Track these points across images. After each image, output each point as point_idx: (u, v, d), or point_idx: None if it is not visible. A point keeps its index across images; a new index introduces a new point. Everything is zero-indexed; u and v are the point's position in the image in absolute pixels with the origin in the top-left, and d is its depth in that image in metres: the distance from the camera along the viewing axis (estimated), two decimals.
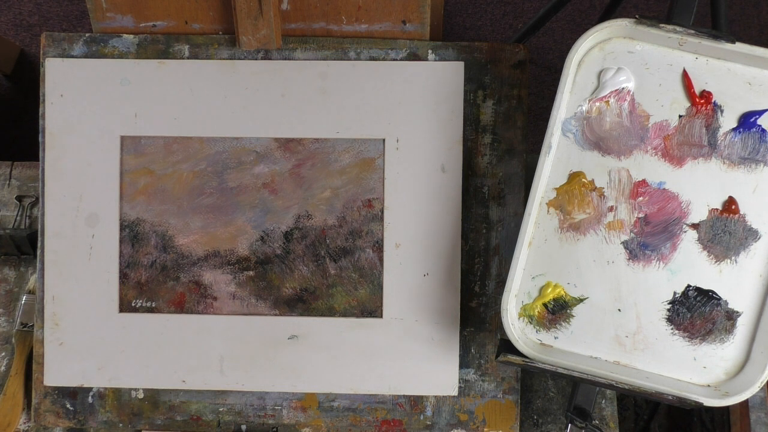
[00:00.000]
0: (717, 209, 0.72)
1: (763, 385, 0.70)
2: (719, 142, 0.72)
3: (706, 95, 0.72)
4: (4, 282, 0.88)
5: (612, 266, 0.73)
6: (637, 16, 0.71)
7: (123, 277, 0.82)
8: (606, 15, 1.39)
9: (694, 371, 0.73)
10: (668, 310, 0.73)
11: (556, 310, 0.74)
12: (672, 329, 0.73)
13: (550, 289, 0.74)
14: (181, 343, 0.81)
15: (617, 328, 0.73)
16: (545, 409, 0.84)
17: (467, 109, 0.81)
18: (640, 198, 0.73)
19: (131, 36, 0.81)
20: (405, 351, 0.81)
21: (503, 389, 0.81)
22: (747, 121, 0.72)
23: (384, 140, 0.80)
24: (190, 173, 0.81)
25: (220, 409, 0.82)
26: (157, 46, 0.81)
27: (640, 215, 0.73)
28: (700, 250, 0.72)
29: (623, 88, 0.72)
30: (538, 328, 0.74)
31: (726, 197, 0.72)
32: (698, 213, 0.72)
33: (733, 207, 0.72)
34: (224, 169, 0.81)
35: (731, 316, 0.72)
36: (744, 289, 0.72)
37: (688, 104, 0.72)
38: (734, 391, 0.71)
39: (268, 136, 0.81)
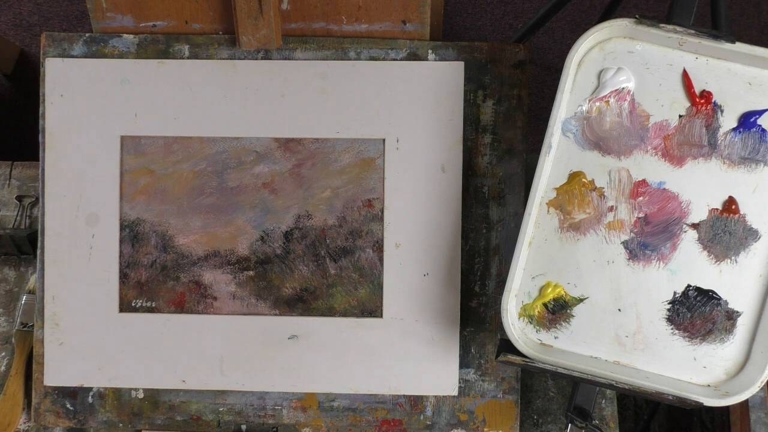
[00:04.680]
0: (717, 209, 0.72)
1: (763, 385, 0.70)
2: (719, 142, 0.72)
3: (706, 95, 0.72)
4: (4, 282, 0.88)
5: (612, 266, 0.73)
6: (637, 16, 0.71)
7: (123, 277, 0.82)
8: (606, 15, 1.39)
9: (694, 371, 0.73)
10: (668, 310, 0.73)
11: (556, 310, 0.74)
12: (672, 329, 0.73)
13: (550, 289, 0.74)
14: (181, 343, 0.81)
15: (617, 328, 0.73)
16: (545, 409, 0.84)
17: (467, 109, 0.81)
18: (640, 198, 0.73)
19: (131, 36, 0.81)
20: (405, 351, 0.81)
21: (503, 389, 0.81)
22: (747, 121, 0.72)
23: (384, 140, 0.80)
24: (190, 173, 0.81)
25: (220, 409, 0.82)
26: (157, 46, 0.81)
27: (640, 215, 0.73)
28: (700, 250, 0.72)
29: (623, 88, 0.72)
30: (538, 328, 0.74)
31: (726, 197, 0.72)
32: (698, 213, 0.72)
33: (733, 207, 0.72)
34: (224, 169, 0.81)
35: (731, 316, 0.72)
36: (744, 289, 0.72)
37: (688, 104, 0.72)
38: (734, 391, 0.71)
39: (268, 136, 0.81)
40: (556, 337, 0.74)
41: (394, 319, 0.81)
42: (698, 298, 0.72)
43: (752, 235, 0.72)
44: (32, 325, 0.84)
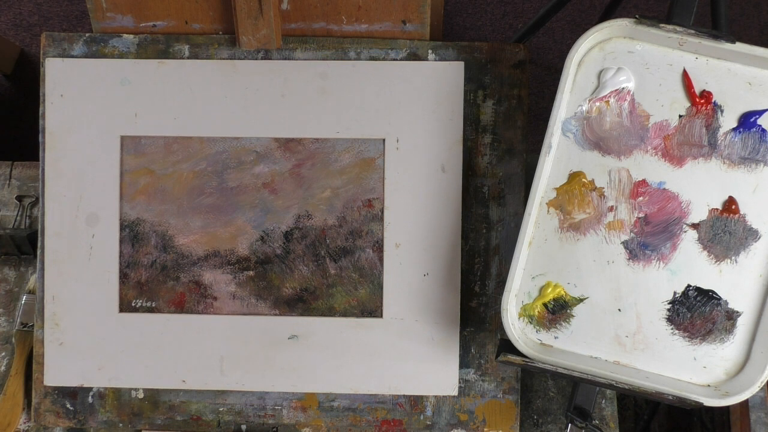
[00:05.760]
0: (717, 209, 0.72)
1: (763, 385, 0.70)
2: (719, 142, 0.72)
3: (706, 95, 0.72)
4: (4, 282, 0.88)
5: (612, 266, 0.73)
6: (637, 16, 0.71)
7: (123, 277, 0.82)
8: (606, 15, 1.39)
9: (694, 371, 0.73)
10: (668, 310, 0.73)
11: (556, 310, 0.74)
12: (672, 329, 0.73)
13: (550, 289, 0.74)
14: (181, 343, 0.81)
15: (617, 328, 0.73)
16: (545, 409, 0.84)
17: (467, 109, 0.81)
18: (640, 198, 0.73)
19: (131, 36, 0.81)
20: (405, 351, 0.81)
21: (503, 389, 0.81)
22: (747, 121, 0.72)
23: (384, 140, 0.80)
24: (190, 173, 0.81)
25: (220, 409, 0.82)
26: (157, 46, 0.81)
27: (640, 215, 0.73)
28: (700, 250, 0.72)
29: (623, 88, 0.72)
30: (538, 328, 0.74)
31: (726, 197, 0.72)
32: (698, 213, 0.72)
33: (733, 207, 0.72)
34: (224, 169, 0.81)
35: (731, 316, 0.72)
36: (744, 289, 0.72)
37: (688, 104, 0.72)
38: (734, 391, 0.71)
39: (268, 136, 0.81)
40: (556, 337, 0.74)
41: (394, 319, 0.81)
42: (698, 298, 0.72)
43: (752, 235, 0.72)
44: (32, 325, 0.84)
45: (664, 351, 0.73)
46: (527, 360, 0.72)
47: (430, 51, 0.81)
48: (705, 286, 0.73)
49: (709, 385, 0.72)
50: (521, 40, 1.45)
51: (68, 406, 0.82)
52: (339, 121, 0.80)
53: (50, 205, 0.81)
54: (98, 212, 0.81)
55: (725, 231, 0.72)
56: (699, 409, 1.12)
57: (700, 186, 0.72)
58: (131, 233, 0.81)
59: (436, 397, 0.81)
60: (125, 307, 0.82)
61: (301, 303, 0.81)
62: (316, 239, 0.81)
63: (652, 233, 0.73)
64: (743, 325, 0.72)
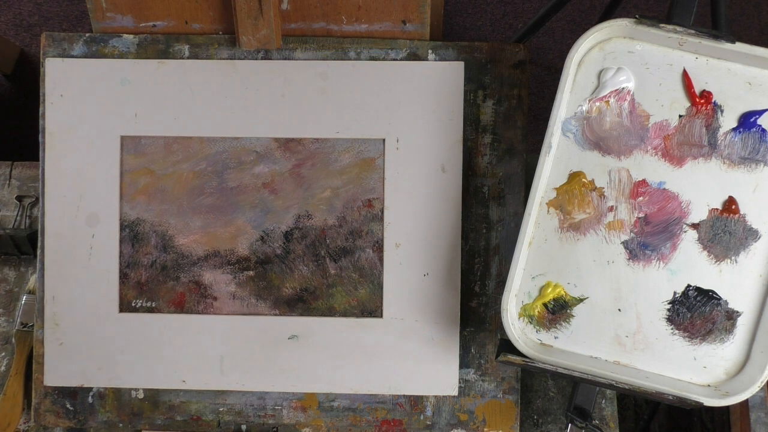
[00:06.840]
0: (717, 209, 0.72)
1: (763, 385, 0.70)
2: (719, 142, 0.72)
3: (706, 95, 0.72)
4: (4, 282, 0.88)
5: (612, 266, 0.73)
6: (637, 16, 0.71)
7: (123, 277, 0.82)
8: (606, 15, 1.39)
9: (694, 371, 0.73)
10: (668, 310, 0.73)
11: (556, 310, 0.74)
12: (672, 329, 0.73)
13: (550, 289, 0.74)
14: (181, 343, 0.81)
15: (617, 328, 0.73)
16: (545, 409, 0.84)
17: (467, 109, 0.81)
18: (640, 198, 0.73)
19: (131, 36, 0.81)
20: (405, 351, 0.81)
21: (503, 389, 0.81)
22: (747, 121, 0.72)
23: (384, 140, 0.80)
24: (190, 173, 0.81)
25: (220, 409, 0.82)
26: (157, 46, 0.81)
27: (640, 215, 0.73)
28: (700, 250, 0.72)
29: (623, 88, 0.72)
30: (538, 328, 0.74)
31: (726, 197, 0.72)
32: (698, 213, 0.72)
33: (733, 207, 0.72)
34: (224, 169, 0.81)
35: (731, 316, 0.72)
36: (744, 289, 0.72)
37: (688, 104, 0.72)
38: (734, 391, 0.71)
39: (268, 136, 0.81)
40: (556, 337, 0.74)
41: (394, 319, 0.81)
42: (698, 298, 0.72)
43: (752, 235, 0.72)
44: (32, 325, 0.84)
45: (664, 351, 0.73)
46: (527, 360, 0.72)
47: (430, 51, 0.81)
48: (705, 286, 0.73)
49: (709, 385, 0.72)
50: (521, 40, 1.45)
51: (68, 406, 0.82)
52: (339, 121, 0.80)
53: (50, 205, 0.81)
54: (98, 212, 0.81)
55: (725, 231, 0.72)
56: (699, 409, 1.12)
57: (700, 186, 0.72)
58: (131, 233, 0.81)
59: (436, 397, 0.81)
60: (125, 307, 0.82)
61: (301, 303, 0.81)
62: (316, 239, 0.81)
63: (652, 233, 0.73)
64: (743, 325, 0.72)
